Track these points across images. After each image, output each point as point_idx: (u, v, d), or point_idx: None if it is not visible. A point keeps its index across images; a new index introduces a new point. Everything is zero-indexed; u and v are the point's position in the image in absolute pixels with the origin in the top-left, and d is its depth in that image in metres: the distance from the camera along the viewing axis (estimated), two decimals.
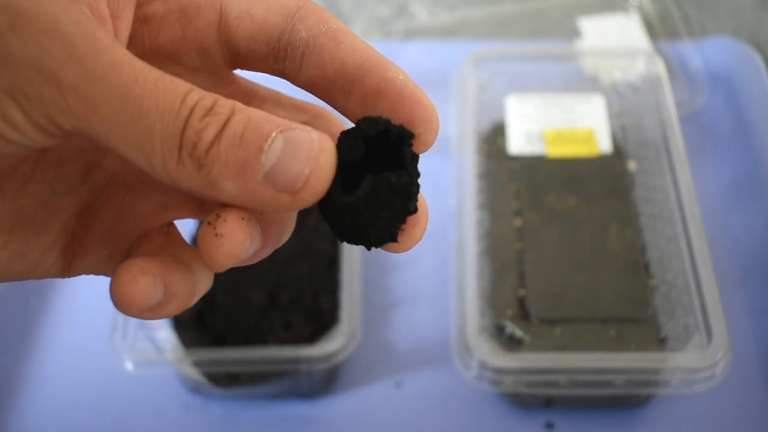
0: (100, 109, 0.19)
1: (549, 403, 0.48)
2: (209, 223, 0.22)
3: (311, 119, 0.26)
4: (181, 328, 0.47)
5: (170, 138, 0.20)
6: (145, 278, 0.21)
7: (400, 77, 0.23)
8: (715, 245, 0.49)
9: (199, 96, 0.20)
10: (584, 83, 0.57)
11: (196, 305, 0.48)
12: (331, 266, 0.51)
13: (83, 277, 0.56)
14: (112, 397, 0.50)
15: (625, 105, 0.56)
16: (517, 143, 0.53)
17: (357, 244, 0.22)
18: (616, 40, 0.66)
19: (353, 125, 0.22)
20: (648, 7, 0.69)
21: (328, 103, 0.25)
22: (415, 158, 0.22)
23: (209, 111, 0.20)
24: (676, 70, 0.65)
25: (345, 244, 0.49)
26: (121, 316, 0.46)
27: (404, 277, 0.55)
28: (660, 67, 0.56)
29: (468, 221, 0.48)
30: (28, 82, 0.19)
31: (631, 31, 0.67)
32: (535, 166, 0.52)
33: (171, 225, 0.25)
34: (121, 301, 0.21)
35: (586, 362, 0.42)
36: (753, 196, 0.57)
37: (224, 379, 0.46)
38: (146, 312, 0.22)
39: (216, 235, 0.21)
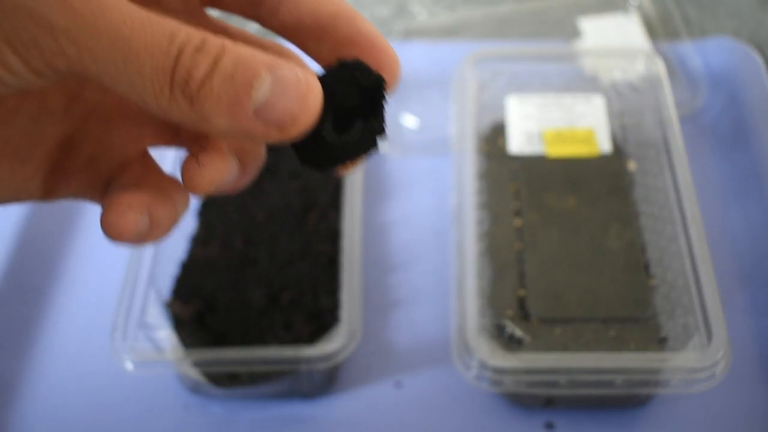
0: (92, 51, 0.21)
1: (549, 403, 0.47)
2: (193, 154, 0.25)
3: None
4: (181, 328, 0.47)
5: (161, 75, 0.21)
6: (132, 213, 0.24)
7: (370, 28, 0.26)
8: (715, 245, 0.49)
9: (186, 35, 0.21)
10: (584, 83, 0.57)
11: (195, 305, 0.48)
12: (331, 266, 0.51)
13: (83, 277, 0.56)
14: (111, 397, 0.50)
15: (625, 105, 0.56)
16: (517, 143, 0.53)
17: (319, 171, 0.25)
18: (616, 40, 0.66)
19: (335, 65, 0.24)
20: (648, 7, 0.69)
21: (298, 47, 0.27)
22: (386, 103, 0.25)
23: (199, 49, 0.21)
24: (676, 70, 0.65)
25: (346, 245, 0.50)
26: (121, 317, 0.46)
27: (404, 277, 0.55)
28: (660, 67, 0.56)
29: (468, 221, 0.48)
30: (22, 29, 0.20)
31: (631, 31, 0.67)
32: (535, 166, 0.52)
33: (147, 156, 0.28)
34: (112, 234, 0.24)
35: (586, 362, 0.42)
36: (753, 196, 0.57)
37: (224, 379, 0.46)
38: (134, 240, 0.25)
39: (198, 164, 0.24)
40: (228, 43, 0.22)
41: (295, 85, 0.22)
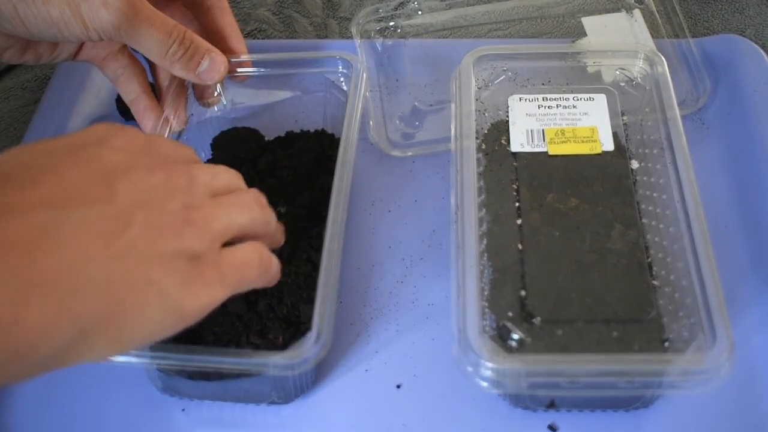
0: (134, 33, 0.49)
1: (551, 404, 0.47)
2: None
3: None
4: None
5: (162, 49, 0.50)
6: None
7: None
8: (718, 245, 0.48)
9: (176, 30, 0.50)
10: (586, 81, 0.57)
11: None
12: (313, 274, 0.49)
13: None
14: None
15: (627, 103, 0.55)
16: (519, 142, 0.53)
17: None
18: (618, 38, 0.66)
19: None
20: (651, 4, 0.68)
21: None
22: None
23: (181, 41, 0.51)
24: (680, 67, 0.64)
25: (325, 253, 0.48)
26: None
27: (405, 277, 0.54)
28: (663, 65, 0.55)
29: (468, 221, 0.47)
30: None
31: (634, 29, 0.66)
32: (536, 165, 0.52)
33: None
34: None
35: (589, 363, 0.42)
36: (757, 195, 0.57)
37: (195, 375, 0.46)
38: None
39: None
40: (188, 36, 0.51)
41: (218, 65, 0.53)
